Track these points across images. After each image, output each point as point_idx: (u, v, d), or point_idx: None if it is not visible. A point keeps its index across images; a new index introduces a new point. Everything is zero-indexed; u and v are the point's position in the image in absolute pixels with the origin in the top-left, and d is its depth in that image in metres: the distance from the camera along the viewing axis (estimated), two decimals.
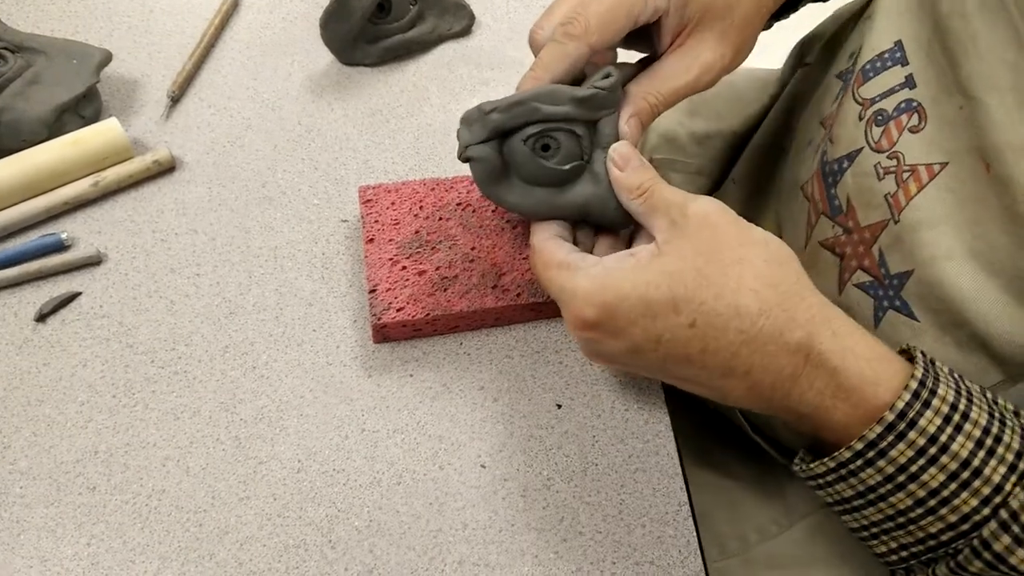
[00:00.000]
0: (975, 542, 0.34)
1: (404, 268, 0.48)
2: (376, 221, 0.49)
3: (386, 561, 0.41)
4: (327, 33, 0.58)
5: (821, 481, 0.38)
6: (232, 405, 0.44)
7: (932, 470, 0.34)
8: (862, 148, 0.45)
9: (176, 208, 0.52)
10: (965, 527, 0.34)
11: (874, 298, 0.45)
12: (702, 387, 0.38)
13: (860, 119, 0.46)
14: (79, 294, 0.48)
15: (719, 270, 0.36)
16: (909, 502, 0.35)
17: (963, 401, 0.35)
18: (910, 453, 0.34)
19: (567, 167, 0.41)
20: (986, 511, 0.34)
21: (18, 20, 0.60)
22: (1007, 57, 0.38)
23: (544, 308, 0.48)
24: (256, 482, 0.42)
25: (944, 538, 0.35)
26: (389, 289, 0.47)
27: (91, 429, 0.43)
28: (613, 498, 0.43)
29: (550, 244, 0.40)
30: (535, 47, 0.42)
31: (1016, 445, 0.35)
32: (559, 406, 0.46)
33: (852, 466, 0.36)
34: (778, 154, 0.62)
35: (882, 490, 0.35)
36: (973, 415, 0.35)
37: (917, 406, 0.34)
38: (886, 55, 0.45)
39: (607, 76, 0.41)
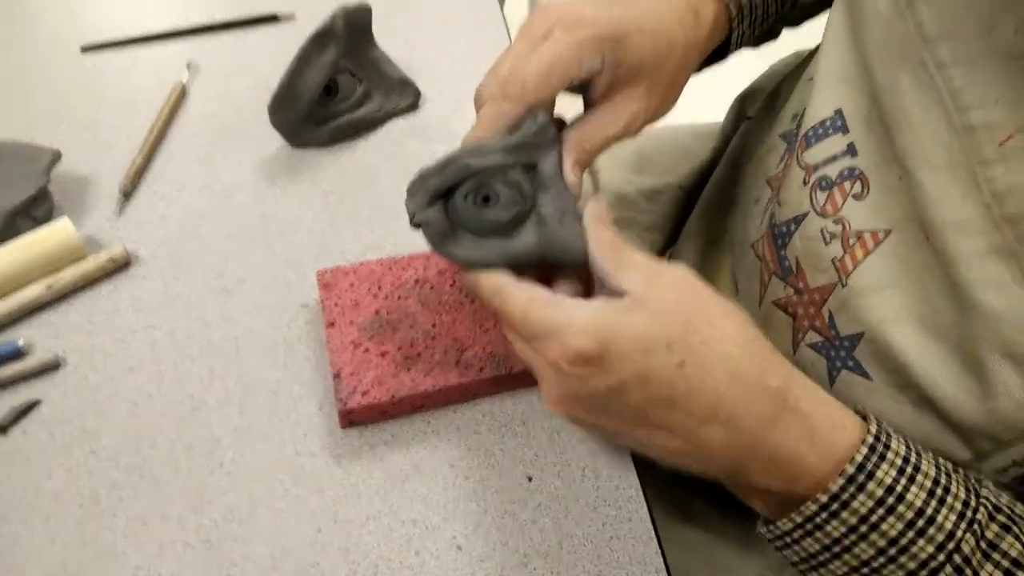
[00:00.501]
0: None
1: (367, 350, 0.48)
2: (336, 304, 0.50)
3: None
4: (276, 118, 0.59)
5: (788, 539, 0.39)
6: (201, 506, 0.44)
7: (891, 519, 0.36)
8: (807, 212, 0.47)
9: (133, 305, 0.52)
10: (923, 573, 0.36)
11: (827, 358, 0.46)
12: (677, 439, 0.38)
13: (804, 184, 0.47)
14: (39, 402, 0.47)
15: (704, 320, 0.37)
16: (871, 551, 0.37)
17: (913, 455, 0.37)
18: (870, 503, 0.36)
19: (508, 215, 0.42)
20: (941, 556, 0.36)
21: None
22: (940, 136, 0.39)
23: (508, 381, 0.49)
24: None
25: None
26: (353, 373, 0.47)
27: (59, 544, 0.42)
28: (591, 570, 0.43)
29: (524, 284, 0.40)
30: (479, 105, 0.44)
31: (962, 495, 0.37)
32: (530, 478, 0.46)
33: (818, 519, 0.37)
34: (728, 208, 0.64)
35: (846, 541, 0.37)
36: (924, 467, 0.37)
37: (874, 459, 0.36)
38: (827, 123, 0.47)
39: (535, 119, 0.43)
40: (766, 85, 0.70)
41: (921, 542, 0.36)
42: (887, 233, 0.42)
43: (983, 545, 0.36)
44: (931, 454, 0.39)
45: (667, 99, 0.48)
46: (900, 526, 0.36)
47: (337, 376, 0.47)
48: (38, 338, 0.50)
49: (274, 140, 0.61)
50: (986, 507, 0.37)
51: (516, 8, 1.75)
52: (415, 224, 0.43)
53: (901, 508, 0.36)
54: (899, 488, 0.36)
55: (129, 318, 0.51)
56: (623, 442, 0.41)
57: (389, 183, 0.60)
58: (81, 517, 0.43)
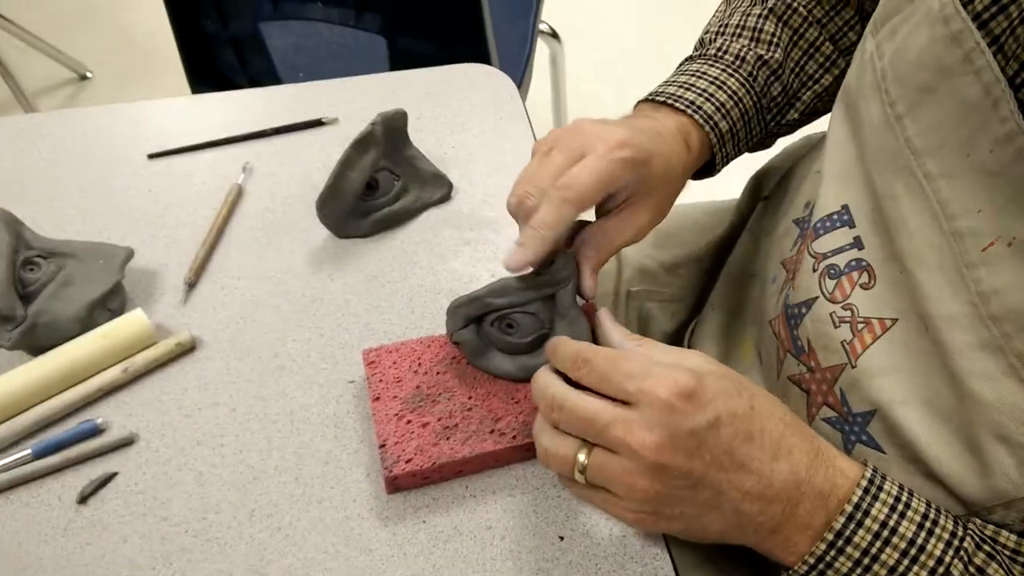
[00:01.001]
0: None
1: (409, 422, 0.52)
2: (380, 380, 0.55)
3: None
4: (323, 212, 0.65)
5: None
6: (261, 567, 0.48)
7: (888, 550, 0.41)
8: (817, 297, 0.50)
9: (198, 384, 0.57)
10: None
11: (841, 432, 0.50)
12: (753, 476, 0.41)
13: (814, 271, 0.51)
14: (116, 474, 0.52)
15: (744, 381, 0.44)
16: None
17: (905, 494, 0.42)
18: (868, 537, 0.41)
19: (528, 339, 0.52)
20: None
21: (46, 225, 0.67)
22: (932, 239, 0.43)
23: None
24: None
25: None
26: (397, 443, 0.51)
27: None
28: None
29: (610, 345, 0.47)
30: (526, 210, 0.49)
31: (950, 526, 0.41)
32: (561, 538, 0.50)
33: (827, 557, 0.41)
34: (749, 282, 0.69)
35: (854, 575, 0.41)
36: (914, 504, 0.42)
37: (868, 499, 0.41)
38: (835, 216, 0.51)
39: (551, 262, 0.52)
40: (780, 165, 0.75)
41: (916, 568, 0.40)
42: (894, 321, 0.46)
43: (972, 570, 0.40)
44: (923, 496, 0.43)
45: (665, 210, 0.56)
46: (896, 555, 0.40)
47: (383, 446, 0.51)
48: (114, 416, 0.55)
49: (321, 232, 0.67)
50: (973, 538, 0.41)
51: (541, 95, 1.84)
52: (453, 342, 0.54)
53: (895, 539, 0.41)
54: (891, 523, 0.41)
55: (195, 396, 0.56)
56: (693, 515, 0.43)
57: (427, 267, 0.65)
58: None
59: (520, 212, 0.50)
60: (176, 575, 0.48)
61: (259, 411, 0.56)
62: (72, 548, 0.49)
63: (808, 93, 0.64)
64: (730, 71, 0.61)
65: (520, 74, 1.29)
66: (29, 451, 0.52)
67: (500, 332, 0.53)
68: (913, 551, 0.40)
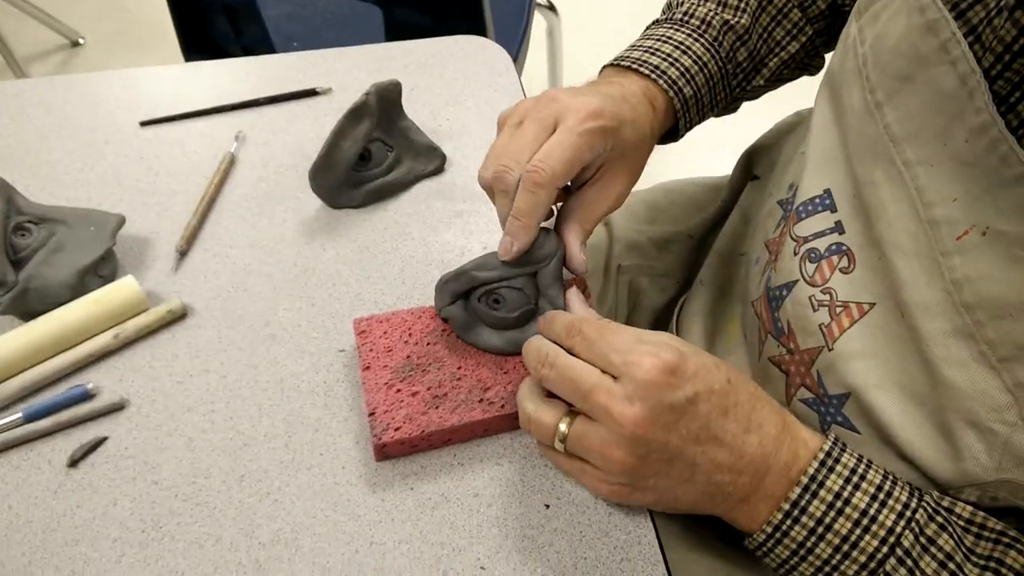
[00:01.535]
0: (882, 575, 0.42)
1: (399, 390, 0.53)
2: (371, 350, 0.55)
3: None
4: (316, 183, 0.65)
5: (766, 548, 0.44)
6: (251, 530, 0.49)
7: (841, 519, 0.42)
8: (798, 280, 0.51)
9: (189, 352, 0.57)
10: (872, 565, 0.42)
11: (818, 413, 0.50)
12: (725, 449, 0.42)
13: (795, 254, 0.52)
14: (106, 438, 0.53)
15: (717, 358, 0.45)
16: (829, 550, 0.42)
17: (862, 466, 0.43)
18: (823, 508, 0.42)
19: (515, 314, 0.53)
20: (884, 549, 0.41)
21: (37, 191, 0.67)
22: (908, 226, 0.43)
23: None
24: None
25: None
26: (387, 411, 0.52)
27: (124, 564, 0.47)
28: None
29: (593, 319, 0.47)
30: (504, 184, 0.49)
31: (903, 498, 0.43)
32: (547, 506, 0.50)
33: (783, 526, 0.43)
34: (737, 261, 0.69)
35: (808, 543, 0.43)
36: (870, 476, 0.43)
37: (824, 471, 0.43)
38: (817, 200, 0.51)
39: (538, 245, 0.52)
40: (770, 143, 0.75)
41: (867, 537, 0.42)
42: (871, 305, 0.47)
43: (922, 540, 0.42)
44: (882, 468, 0.44)
45: (638, 175, 0.56)
46: (848, 524, 0.42)
47: (372, 414, 0.52)
48: (105, 382, 0.56)
49: (314, 202, 0.67)
50: (926, 509, 0.42)
51: (537, 69, 1.83)
52: (442, 317, 0.54)
53: (848, 510, 0.42)
54: (845, 494, 0.42)
55: (186, 363, 0.57)
56: (667, 488, 0.44)
57: (418, 240, 0.65)
58: (144, 540, 0.48)
59: (498, 186, 0.50)
60: (166, 538, 0.48)
61: (250, 378, 0.56)
62: (62, 511, 0.49)
63: (775, 60, 0.65)
64: (695, 35, 0.61)
65: (516, 47, 1.29)
66: (20, 415, 0.53)
67: (487, 307, 0.53)
68: (865, 521, 0.42)
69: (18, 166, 0.69)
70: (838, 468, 0.43)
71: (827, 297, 0.49)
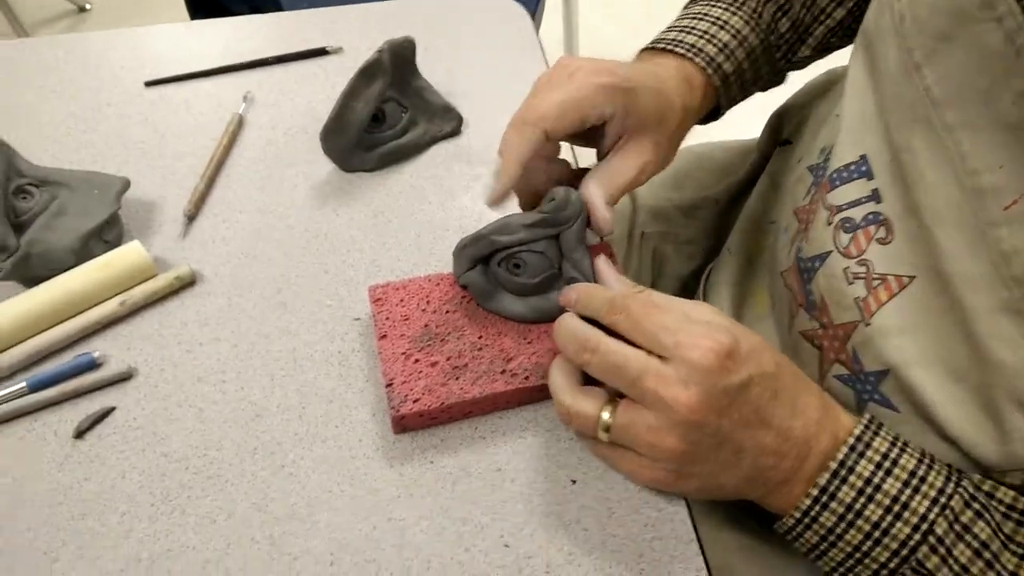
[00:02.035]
0: (914, 563, 0.40)
1: (417, 361, 0.51)
2: (387, 318, 0.53)
3: None
4: (327, 145, 0.63)
5: (795, 533, 0.43)
6: (264, 504, 0.47)
7: (871, 506, 0.40)
8: (831, 252, 0.48)
9: (199, 320, 0.55)
10: (904, 552, 0.40)
11: (854, 390, 0.48)
12: (772, 432, 0.41)
13: (828, 224, 0.49)
14: (113, 409, 0.51)
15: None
16: (859, 537, 0.41)
17: (895, 450, 0.41)
18: (852, 493, 0.41)
19: (537, 279, 0.50)
20: (917, 536, 0.40)
21: (39, 153, 0.64)
22: (951, 195, 0.41)
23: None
24: None
25: (892, 565, 0.40)
26: (404, 382, 0.50)
27: (133, 538, 0.45)
28: (633, 567, 0.45)
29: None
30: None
31: (938, 483, 0.41)
32: (574, 481, 0.48)
33: (812, 512, 0.41)
34: (766, 229, 0.66)
35: (838, 530, 0.41)
36: (903, 461, 0.41)
37: (854, 456, 0.41)
38: (852, 167, 0.48)
39: (552, 199, 0.49)
40: (800, 103, 0.72)
41: (899, 524, 0.40)
42: (911, 279, 0.44)
43: (957, 528, 0.40)
44: (920, 450, 0.42)
45: (668, 154, 0.54)
46: (880, 511, 0.40)
47: (389, 385, 0.49)
48: (112, 350, 0.53)
49: (326, 165, 0.65)
50: (962, 495, 0.41)
51: (551, 34, 1.79)
52: (461, 285, 0.52)
53: (879, 496, 0.40)
54: (876, 480, 0.41)
55: (195, 331, 0.55)
56: (711, 473, 0.42)
57: (435, 204, 0.63)
58: (153, 514, 0.46)
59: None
60: (176, 511, 0.46)
61: (261, 348, 0.54)
62: (69, 483, 0.48)
63: (820, 28, 0.61)
64: (733, 9, 0.59)
65: (533, 7, 1.25)
66: (24, 384, 0.51)
67: (508, 272, 0.51)
68: (896, 508, 0.40)
69: (18, 127, 0.67)
70: (869, 453, 0.41)
71: (863, 269, 0.46)
